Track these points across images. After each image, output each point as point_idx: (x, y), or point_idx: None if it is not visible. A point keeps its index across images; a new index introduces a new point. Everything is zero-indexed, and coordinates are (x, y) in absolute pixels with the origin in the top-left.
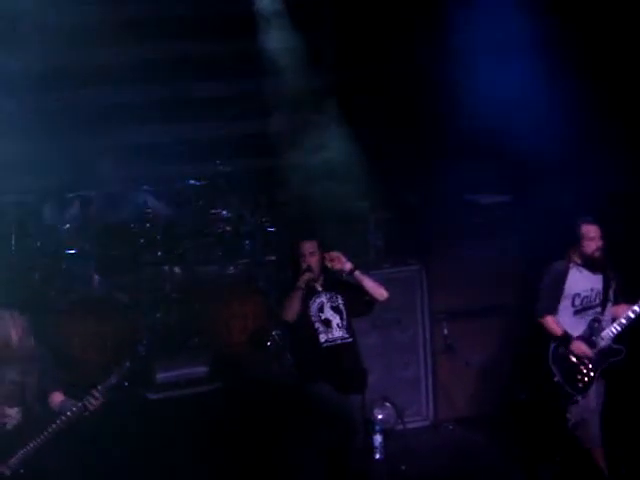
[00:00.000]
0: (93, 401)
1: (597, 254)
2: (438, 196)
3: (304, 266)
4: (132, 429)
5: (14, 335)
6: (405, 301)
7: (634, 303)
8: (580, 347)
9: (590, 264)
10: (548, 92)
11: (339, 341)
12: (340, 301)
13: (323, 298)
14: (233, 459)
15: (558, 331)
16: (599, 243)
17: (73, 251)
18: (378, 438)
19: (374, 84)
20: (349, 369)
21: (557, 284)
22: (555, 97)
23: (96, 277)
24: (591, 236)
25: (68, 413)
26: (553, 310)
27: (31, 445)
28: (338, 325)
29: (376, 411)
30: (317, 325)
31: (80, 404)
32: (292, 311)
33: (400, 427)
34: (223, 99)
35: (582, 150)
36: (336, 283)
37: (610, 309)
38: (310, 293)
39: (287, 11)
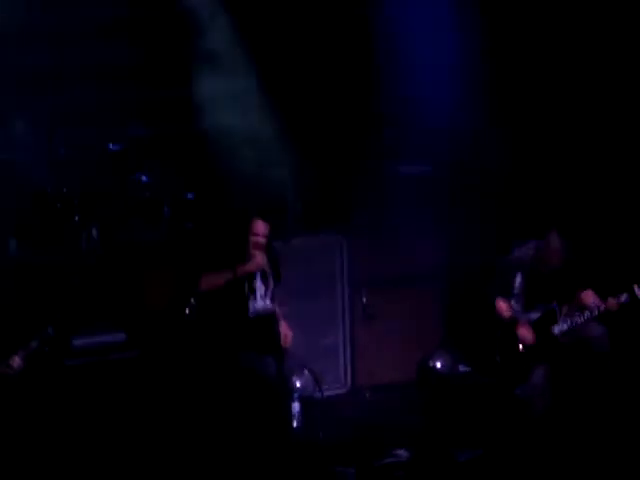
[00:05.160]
0: (13, 365)
1: (556, 265)
2: (359, 164)
3: (257, 257)
4: (49, 395)
5: None
6: (324, 269)
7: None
8: (524, 332)
9: (546, 270)
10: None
11: (262, 312)
12: (269, 271)
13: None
14: (151, 426)
15: (506, 314)
16: (561, 256)
17: None
18: (296, 406)
19: (295, 50)
20: (270, 337)
21: (509, 272)
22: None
23: (13, 241)
24: (555, 250)
25: None
26: (505, 294)
27: None
28: (261, 296)
29: (294, 379)
30: (246, 295)
31: (3, 364)
32: (212, 286)
33: (318, 395)
34: (144, 62)
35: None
36: (268, 253)
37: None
38: None
39: None
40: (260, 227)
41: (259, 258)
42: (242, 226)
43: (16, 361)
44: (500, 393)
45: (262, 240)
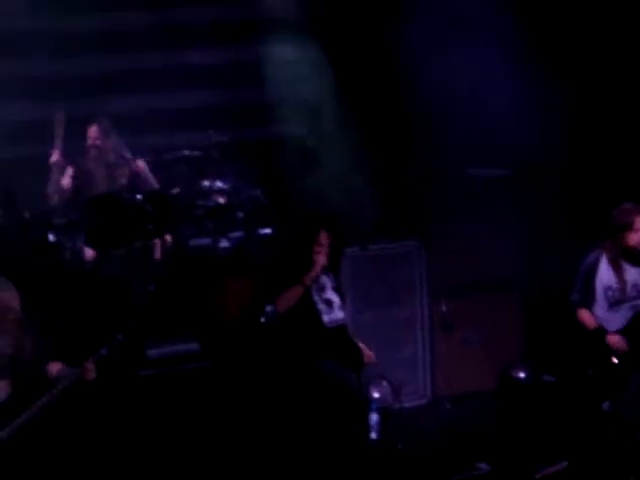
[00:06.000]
0: (87, 372)
1: None
2: (437, 169)
3: (319, 259)
4: (123, 405)
5: (13, 305)
6: (403, 277)
7: None
8: (615, 339)
9: (631, 257)
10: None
11: (340, 322)
12: (339, 282)
13: (325, 278)
14: (225, 437)
15: (591, 325)
16: None
17: (62, 222)
18: (374, 417)
19: (371, 55)
20: (349, 348)
21: (588, 277)
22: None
23: (86, 249)
24: (637, 227)
25: (66, 381)
26: (586, 303)
27: (22, 418)
28: (339, 306)
29: (372, 389)
30: (320, 306)
31: (78, 370)
32: (288, 305)
33: (397, 406)
34: (217, 66)
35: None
36: (337, 265)
37: None
38: None
39: None
40: (324, 238)
41: (321, 259)
42: (309, 235)
43: (89, 369)
44: (587, 406)
45: (325, 250)
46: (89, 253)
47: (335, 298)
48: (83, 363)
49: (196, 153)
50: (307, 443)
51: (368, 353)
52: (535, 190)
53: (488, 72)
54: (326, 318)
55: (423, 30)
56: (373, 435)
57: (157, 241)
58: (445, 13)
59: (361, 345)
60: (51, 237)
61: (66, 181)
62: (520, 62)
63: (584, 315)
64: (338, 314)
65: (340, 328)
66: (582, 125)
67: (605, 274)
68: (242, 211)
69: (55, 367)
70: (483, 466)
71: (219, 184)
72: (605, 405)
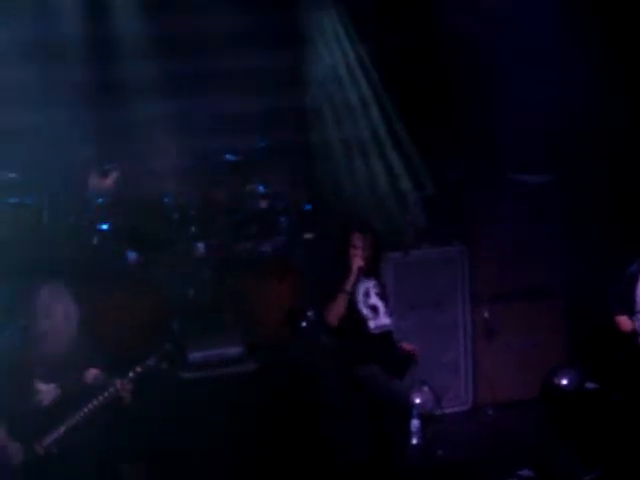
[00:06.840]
0: (123, 392)
1: None
2: (482, 174)
3: (355, 262)
4: (165, 408)
5: (63, 310)
6: (445, 282)
7: None
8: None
9: None
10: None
11: (386, 328)
12: (383, 288)
13: (369, 284)
14: (267, 440)
15: (627, 328)
16: None
17: (106, 226)
18: (415, 423)
19: (414, 55)
20: (394, 354)
21: (630, 286)
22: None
23: (129, 253)
24: None
25: (106, 393)
26: (627, 311)
27: (66, 424)
28: (384, 312)
29: (414, 395)
30: (365, 312)
31: (114, 386)
32: (337, 315)
33: (438, 412)
34: (259, 71)
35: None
36: (377, 269)
37: None
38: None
39: None
40: (357, 240)
41: (357, 261)
42: (343, 238)
43: (125, 390)
44: (630, 413)
45: (360, 252)
46: (132, 257)
47: (380, 304)
48: (117, 382)
49: (239, 158)
50: (349, 448)
51: (410, 347)
52: (580, 195)
53: (536, 75)
54: (372, 324)
55: (466, 29)
56: (414, 441)
57: (200, 244)
58: (495, 17)
59: (404, 344)
60: (95, 240)
61: (109, 182)
62: (569, 67)
63: (622, 320)
64: (384, 320)
65: (386, 334)
66: (630, 131)
67: None
68: (285, 216)
69: (91, 373)
70: (526, 472)
71: (262, 188)
72: None
